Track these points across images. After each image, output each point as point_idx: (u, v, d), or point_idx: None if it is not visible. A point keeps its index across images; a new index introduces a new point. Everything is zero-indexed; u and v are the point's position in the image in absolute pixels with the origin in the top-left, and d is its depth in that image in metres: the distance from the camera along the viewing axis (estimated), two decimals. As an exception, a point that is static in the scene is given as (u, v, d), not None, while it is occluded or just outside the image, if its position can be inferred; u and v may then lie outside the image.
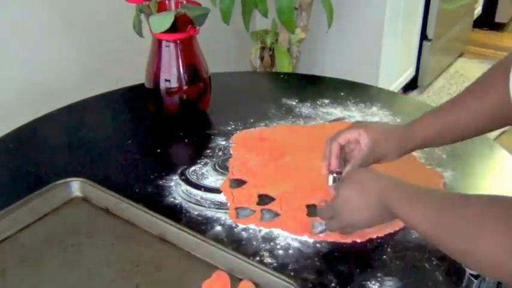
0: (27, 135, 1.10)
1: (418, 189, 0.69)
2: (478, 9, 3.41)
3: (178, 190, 0.93)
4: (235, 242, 0.82)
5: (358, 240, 0.82)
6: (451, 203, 0.62)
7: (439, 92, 2.86)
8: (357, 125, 0.85)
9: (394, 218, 0.72)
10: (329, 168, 0.85)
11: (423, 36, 2.72)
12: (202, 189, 0.94)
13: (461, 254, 0.58)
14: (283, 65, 1.84)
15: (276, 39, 1.90)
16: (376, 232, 0.83)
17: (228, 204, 0.90)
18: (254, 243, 0.82)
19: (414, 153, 0.97)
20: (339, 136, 0.84)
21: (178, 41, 1.05)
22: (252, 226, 0.85)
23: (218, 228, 0.85)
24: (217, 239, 0.81)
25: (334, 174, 0.85)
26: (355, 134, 0.82)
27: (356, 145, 0.84)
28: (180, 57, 1.06)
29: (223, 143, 1.07)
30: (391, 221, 0.76)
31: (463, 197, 0.63)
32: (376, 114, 1.16)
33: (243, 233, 0.84)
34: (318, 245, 0.82)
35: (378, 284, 0.75)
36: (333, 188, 0.84)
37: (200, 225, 0.85)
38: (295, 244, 0.82)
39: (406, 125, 0.85)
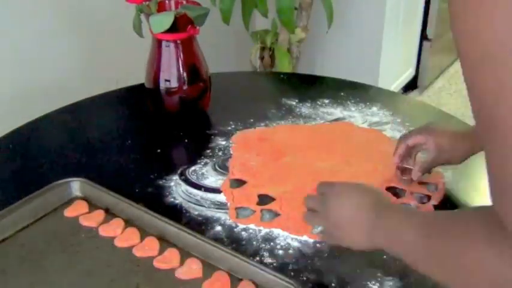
0: (27, 135, 1.10)
1: (405, 212, 0.66)
2: (478, 9, 3.41)
3: (178, 190, 0.93)
4: (235, 242, 0.82)
5: None
6: (438, 227, 0.58)
7: (439, 92, 2.86)
8: (427, 128, 0.89)
9: (374, 243, 0.66)
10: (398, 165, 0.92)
11: (423, 36, 2.71)
12: (202, 189, 0.94)
13: (451, 273, 0.54)
14: (283, 65, 1.85)
15: (276, 39, 1.90)
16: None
17: (228, 204, 0.90)
18: (254, 243, 0.82)
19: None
20: (409, 138, 0.89)
21: (178, 41, 1.05)
22: (252, 226, 0.85)
23: (218, 228, 0.85)
24: (217, 239, 0.81)
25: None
26: (422, 139, 0.88)
27: (424, 147, 0.89)
28: (180, 57, 1.06)
29: (223, 143, 1.07)
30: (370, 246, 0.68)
31: (449, 216, 0.59)
32: (376, 114, 1.16)
33: (243, 233, 0.84)
34: (318, 245, 0.81)
35: (378, 284, 0.74)
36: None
37: (200, 225, 0.85)
38: (295, 244, 0.82)
39: (473, 129, 0.85)
